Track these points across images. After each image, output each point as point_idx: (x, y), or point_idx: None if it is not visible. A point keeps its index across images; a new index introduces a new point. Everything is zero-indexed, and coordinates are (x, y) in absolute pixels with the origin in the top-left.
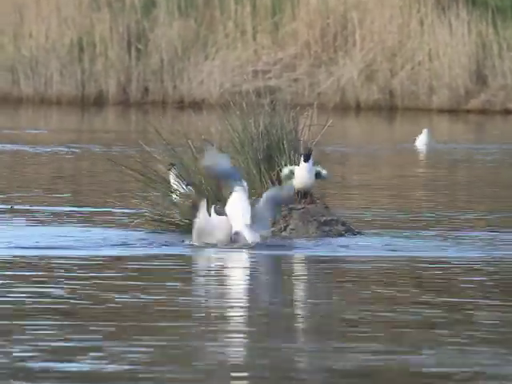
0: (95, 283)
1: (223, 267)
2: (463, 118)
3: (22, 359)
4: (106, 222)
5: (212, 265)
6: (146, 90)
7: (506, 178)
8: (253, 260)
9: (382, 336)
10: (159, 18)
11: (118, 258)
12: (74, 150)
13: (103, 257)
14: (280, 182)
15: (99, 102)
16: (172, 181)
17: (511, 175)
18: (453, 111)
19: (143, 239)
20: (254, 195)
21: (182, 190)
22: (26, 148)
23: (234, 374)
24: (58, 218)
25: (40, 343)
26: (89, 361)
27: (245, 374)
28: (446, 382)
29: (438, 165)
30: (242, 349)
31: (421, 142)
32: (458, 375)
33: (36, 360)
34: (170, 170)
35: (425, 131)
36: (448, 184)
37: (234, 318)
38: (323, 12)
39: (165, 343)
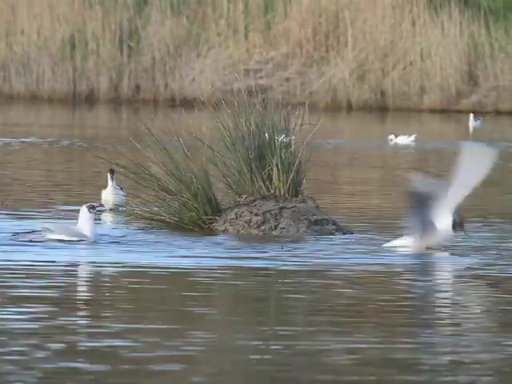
0: None
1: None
2: (454, 119)
3: None
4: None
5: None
6: (138, 87)
7: None
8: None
9: None
10: (151, 15)
11: None
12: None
13: None
14: (271, 181)
15: (90, 99)
16: (110, 186)
17: None
18: (444, 111)
19: None
20: (245, 194)
21: (120, 194)
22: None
23: None
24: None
25: None
26: None
27: None
28: None
29: None
30: None
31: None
32: None
33: None
34: (110, 175)
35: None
36: None
37: None
38: (315, 11)
39: None
